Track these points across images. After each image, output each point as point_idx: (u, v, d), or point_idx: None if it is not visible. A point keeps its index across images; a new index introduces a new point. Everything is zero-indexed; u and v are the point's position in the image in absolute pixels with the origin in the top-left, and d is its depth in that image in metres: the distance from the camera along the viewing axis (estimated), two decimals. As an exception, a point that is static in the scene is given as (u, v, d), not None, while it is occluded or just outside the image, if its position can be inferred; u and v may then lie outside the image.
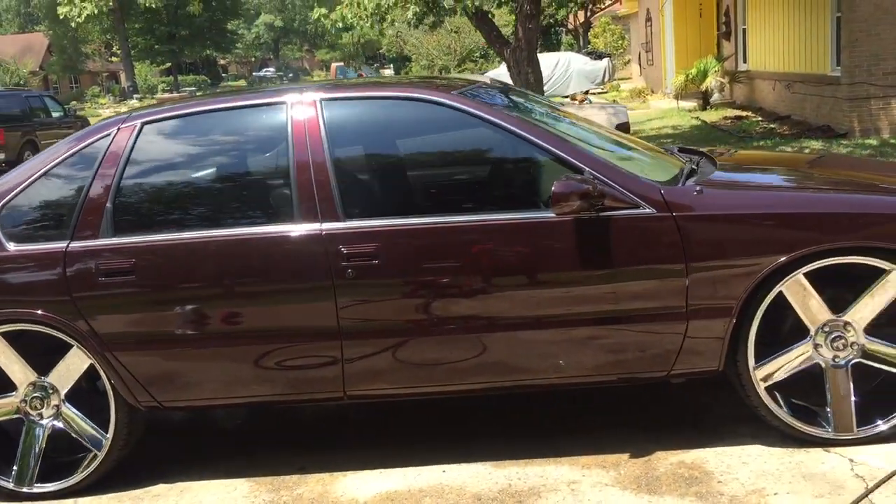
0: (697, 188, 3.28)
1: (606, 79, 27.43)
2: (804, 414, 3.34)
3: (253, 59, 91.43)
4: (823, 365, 3.31)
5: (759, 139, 13.26)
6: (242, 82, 67.16)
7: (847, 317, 3.27)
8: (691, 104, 18.98)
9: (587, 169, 3.25)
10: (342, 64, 39.27)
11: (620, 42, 34.16)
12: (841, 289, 3.28)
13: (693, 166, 3.69)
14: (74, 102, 43.11)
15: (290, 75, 71.84)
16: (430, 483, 3.34)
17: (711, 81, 17.98)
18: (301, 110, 3.43)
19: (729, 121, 15.99)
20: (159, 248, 3.35)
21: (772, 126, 14.71)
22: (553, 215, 3.17)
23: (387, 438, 3.82)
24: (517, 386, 3.46)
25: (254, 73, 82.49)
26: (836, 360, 3.30)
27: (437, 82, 3.94)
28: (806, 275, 3.21)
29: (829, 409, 3.32)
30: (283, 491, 3.40)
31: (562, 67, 27.06)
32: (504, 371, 3.35)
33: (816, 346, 3.29)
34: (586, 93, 23.16)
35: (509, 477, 3.33)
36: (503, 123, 3.38)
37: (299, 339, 3.33)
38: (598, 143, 3.74)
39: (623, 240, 3.23)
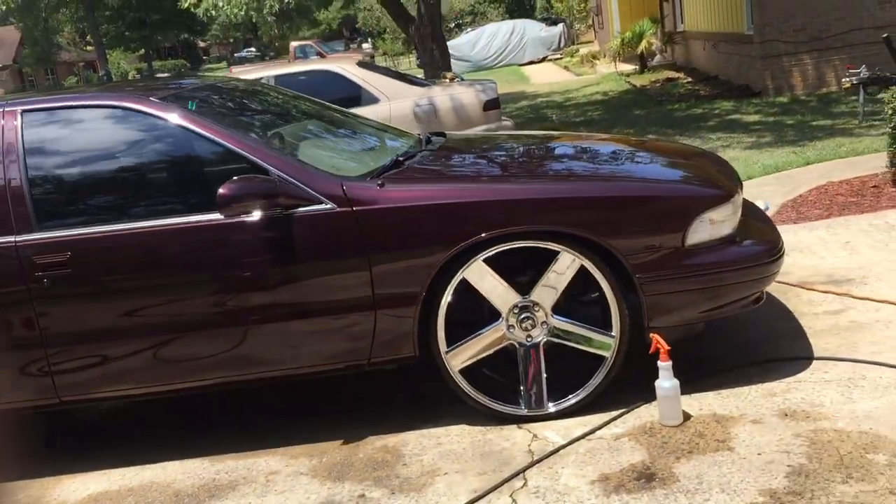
0: (379, 182, 3.36)
1: (562, 44, 27.32)
2: (503, 393, 3.45)
3: (232, 41, 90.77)
4: (517, 345, 3.41)
5: (675, 101, 13.28)
6: (224, 65, 66.81)
7: (534, 298, 3.37)
8: (633, 67, 18.96)
9: (272, 168, 3.33)
10: (308, 42, 38.92)
11: (583, 6, 33.98)
12: (531, 271, 3.38)
13: (400, 156, 3.76)
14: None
15: (272, 55, 71.36)
16: (144, 481, 3.46)
17: (648, 43, 17.93)
18: (1, 122, 3.50)
19: (658, 84, 16.00)
20: None
21: (696, 87, 14.72)
22: (221, 217, 3.26)
23: (121, 438, 3.95)
24: (231, 382, 3.55)
25: (235, 55, 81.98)
26: (528, 339, 3.40)
27: (140, 87, 4.00)
28: (487, 260, 3.30)
29: (522, 388, 3.43)
30: (4, 497, 3.52)
31: (517, 35, 26.98)
32: (206, 368, 3.46)
33: (510, 327, 3.39)
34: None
35: (219, 471, 3.45)
36: (193, 127, 3.44)
37: (8, 349, 3.44)
38: (312, 139, 3.82)
39: (307, 236, 3.32)
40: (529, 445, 3.27)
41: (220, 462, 3.53)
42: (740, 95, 12.98)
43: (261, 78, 8.06)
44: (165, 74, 54.02)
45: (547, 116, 13.71)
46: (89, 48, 62.67)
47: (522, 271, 3.38)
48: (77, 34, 62.14)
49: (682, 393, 3.36)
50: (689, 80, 15.91)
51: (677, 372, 3.25)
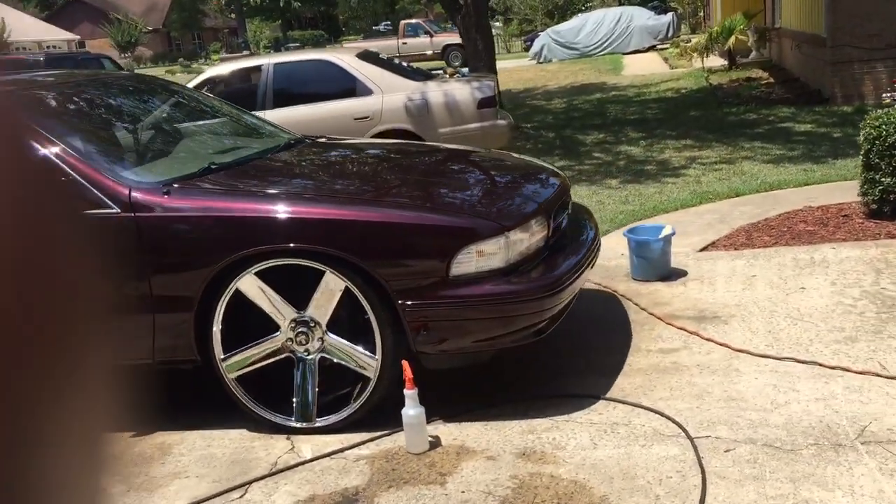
0: (165, 190, 3.51)
1: (671, 34, 26.52)
2: (278, 404, 3.55)
3: (369, 14, 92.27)
4: (294, 358, 3.51)
5: (737, 104, 12.78)
6: (361, 37, 68.15)
7: (309, 313, 3.45)
8: (723, 63, 18.29)
9: (67, 169, 3.53)
10: (419, 20, 38.82)
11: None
12: (310, 288, 3.46)
13: (215, 165, 3.88)
14: (182, 60, 45.18)
15: (410, 31, 72.28)
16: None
17: (736, 39, 17.22)
18: None
19: (736, 83, 15.38)
20: None
21: (770, 90, 14.09)
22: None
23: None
24: None
25: (373, 27, 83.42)
26: (304, 353, 3.49)
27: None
28: (260, 274, 3.41)
29: (295, 400, 3.52)
30: None
31: (623, 23, 26.38)
32: None
33: (287, 340, 3.49)
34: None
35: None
36: None
37: None
38: (152, 142, 4.01)
39: (96, 237, 3.49)
40: (279, 458, 3.37)
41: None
42: (809, 102, 12.35)
43: (258, 66, 8.32)
44: (296, 44, 55.61)
45: (598, 113, 13.47)
46: (232, 16, 65.29)
47: (304, 288, 3.45)
48: (224, 2, 64.74)
49: (459, 419, 3.40)
50: (770, 80, 15.20)
51: (470, 397, 3.28)
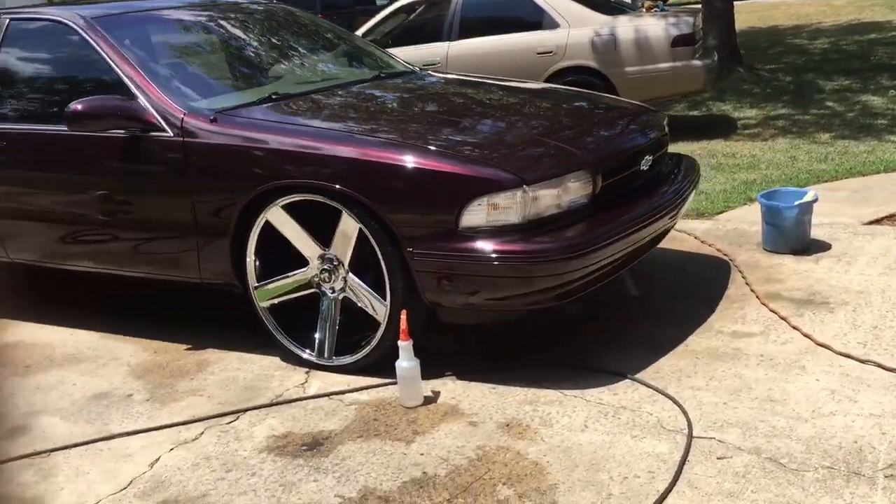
0: (212, 117, 3.58)
1: None
2: (301, 337, 3.58)
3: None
4: (320, 294, 3.50)
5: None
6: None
7: (332, 252, 3.42)
8: None
9: (136, 91, 3.71)
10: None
11: None
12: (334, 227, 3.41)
13: (276, 94, 3.89)
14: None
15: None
16: (47, 339, 4.17)
17: None
18: None
19: None
20: None
21: None
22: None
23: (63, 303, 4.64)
24: (99, 273, 4.07)
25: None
26: (328, 291, 3.48)
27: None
28: (288, 207, 3.41)
29: (316, 336, 3.53)
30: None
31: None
32: (75, 256, 4.07)
33: (315, 275, 3.49)
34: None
35: (86, 346, 4.04)
36: (98, 47, 3.88)
37: None
38: (240, 70, 4.17)
39: (151, 158, 3.67)
40: (286, 391, 3.40)
41: (95, 339, 4.10)
42: None
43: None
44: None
45: (860, 56, 11.93)
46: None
47: (331, 226, 3.41)
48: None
49: (470, 378, 3.31)
50: None
51: (498, 356, 3.30)
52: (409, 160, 3.19)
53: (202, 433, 3.13)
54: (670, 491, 2.51)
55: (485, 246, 3.09)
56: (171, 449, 3.04)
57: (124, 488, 2.82)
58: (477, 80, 4.68)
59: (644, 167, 3.64)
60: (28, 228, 4.16)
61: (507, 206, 3.09)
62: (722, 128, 8.11)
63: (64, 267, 4.16)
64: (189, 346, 3.91)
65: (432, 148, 3.26)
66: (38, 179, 4.08)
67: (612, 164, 3.45)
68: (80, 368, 3.81)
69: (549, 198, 3.17)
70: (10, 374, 3.84)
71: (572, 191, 3.24)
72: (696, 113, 9.21)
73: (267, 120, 3.60)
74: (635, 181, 3.63)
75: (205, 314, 4.23)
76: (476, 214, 3.09)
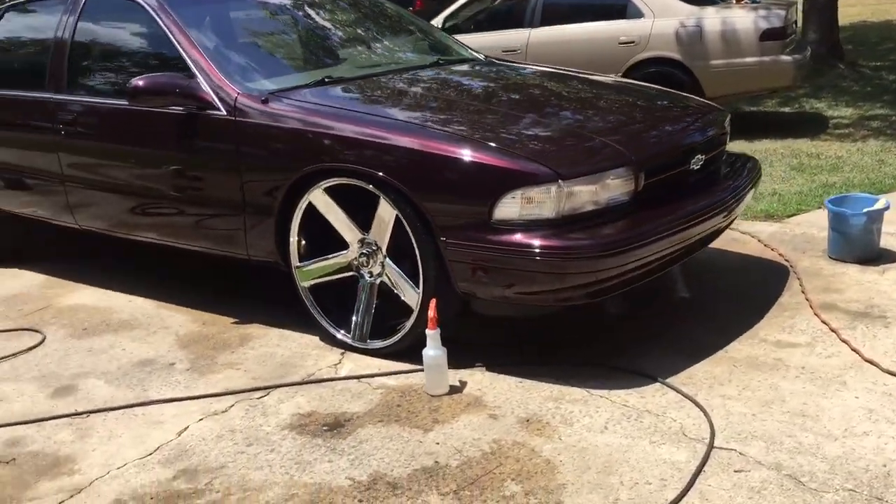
0: (263, 98, 3.64)
1: None
2: (339, 318, 3.62)
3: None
4: (359, 277, 3.54)
5: None
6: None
7: (371, 237, 3.45)
8: None
9: (195, 70, 3.80)
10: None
11: None
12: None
13: (329, 78, 3.93)
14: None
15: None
16: (108, 304, 4.34)
17: None
18: None
19: None
20: None
21: None
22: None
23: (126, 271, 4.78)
24: (155, 244, 4.21)
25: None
26: (366, 275, 3.51)
27: None
28: (330, 191, 3.45)
29: (354, 319, 3.57)
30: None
31: None
32: (137, 227, 4.21)
33: (355, 259, 3.53)
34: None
35: (140, 313, 4.19)
36: (164, 25, 3.98)
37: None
38: (304, 52, 4.30)
39: (206, 136, 3.76)
40: (319, 370, 3.45)
41: (151, 307, 4.25)
42: None
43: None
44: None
45: None
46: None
47: (371, 211, 3.43)
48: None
49: (499, 370, 3.30)
50: None
51: (534, 351, 3.30)
52: (444, 149, 3.18)
53: (232, 406, 3.21)
54: (679, 501, 2.45)
55: (517, 239, 3.06)
56: (201, 419, 3.13)
57: (150, 454, 2.92)
58: (535, 70, 4.62)
59: (695, 166, 3.54)
60: (96, 198, 4.32)
61: (542, 200, 3.05)
62: (811, 126, 7.82)
63: (128, 237, 4.31)
64: (236, 320, 4.01)
65: (466, 138, 3.24)
66: (103, 152, 4.24)
67: (657, 162, 3.36)
68: (131, 335, 3.95)
69: (586, 193, 3.11)
70: (68, 335, 4.01)
71: (612, 188, 3.17)
72: (787, 109, 8.90)
73: (316, 103, 3.64)
74: (685, 180, 3.53)
75: (255, 289, 4.32)
76: (510, 207, 3.07)
